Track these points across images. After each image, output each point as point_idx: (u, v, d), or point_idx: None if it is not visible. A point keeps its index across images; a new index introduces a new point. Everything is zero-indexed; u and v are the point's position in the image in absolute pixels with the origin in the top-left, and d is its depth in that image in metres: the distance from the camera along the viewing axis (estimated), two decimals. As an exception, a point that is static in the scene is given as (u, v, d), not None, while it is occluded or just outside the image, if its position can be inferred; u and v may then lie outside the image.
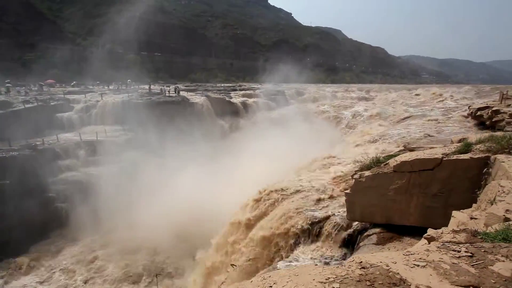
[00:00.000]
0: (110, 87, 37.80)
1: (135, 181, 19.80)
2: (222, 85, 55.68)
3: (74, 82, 38.53)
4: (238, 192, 13.25)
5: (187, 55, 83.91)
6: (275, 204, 9.51)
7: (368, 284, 1.79)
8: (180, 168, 20.83)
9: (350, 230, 7.05)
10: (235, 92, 43.77)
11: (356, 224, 6.85)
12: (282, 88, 51.53)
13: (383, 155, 6.62)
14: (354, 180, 5.97)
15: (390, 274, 1.90)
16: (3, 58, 38.73)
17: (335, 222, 7.55)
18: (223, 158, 22.51)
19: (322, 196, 9.50)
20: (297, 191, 10.07)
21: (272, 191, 10.17)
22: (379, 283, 1.80)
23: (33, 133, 20.85)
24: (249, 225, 10.05)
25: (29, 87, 30.94)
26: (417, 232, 4.86)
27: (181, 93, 33.44)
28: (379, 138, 15.69)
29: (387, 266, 2.01)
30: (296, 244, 8.23)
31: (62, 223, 18.07)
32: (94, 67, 42.23)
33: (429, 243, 2.80)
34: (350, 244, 6.75)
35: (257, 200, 10.06)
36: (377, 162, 6.10)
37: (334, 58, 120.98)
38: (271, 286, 1.71)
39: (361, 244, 5.82)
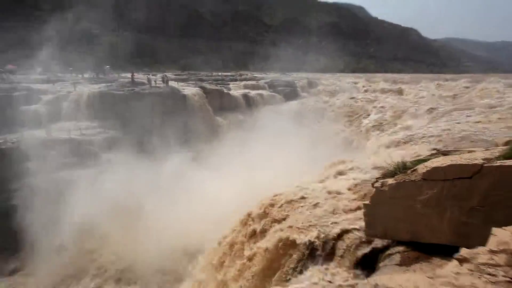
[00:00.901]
0: (84, 75, 38.11)
1: (116, 186, 20.00)
2: (219, 73, 55.91)
3: (40, 68, 38.73)
4: (236, 201, 13.38)
5: (177, 37, 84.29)
6: (278, 218, 9.59)
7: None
8: (172, 172, 21.12)
9: (368, 248, 7.07)
10: (234, 82, 44.02)
11: (376, 242, 6.88)
12: (292, 78, 51.72)
13: (410, 160, 6.64)
14: (374, 189, 6.00)
15: (410, 300, 1.96)
16: None
17: (351, 239, 7.59)
18: (221, 160, 22.65)
19: (335, 208, 9.54)
20: (305, 201, 10.15)
21: (273, 204, 10.26)
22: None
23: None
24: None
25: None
26: (449, 252, 4.88)
27: (170, 83, 33.63)
28: (408, 139, 15.68)
29: (408, 290, 2.06)
30: (303, 265, 8.29)
31: (27, 236, 18.25)
32: (64, 50, 42.58)
33: (461, 265, 2.85)
34: (368, 264, 6.79)
35: (256, 216, 10.24)
36: (403, 168, 6.11)
37: (355, 41, 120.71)
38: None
39: (381, 264, 5.84)
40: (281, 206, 9.81)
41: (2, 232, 17.66)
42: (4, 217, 17.81)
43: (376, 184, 5.99)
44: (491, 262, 2.67)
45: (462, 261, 2.89)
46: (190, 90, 33.43)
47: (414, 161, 6.40)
